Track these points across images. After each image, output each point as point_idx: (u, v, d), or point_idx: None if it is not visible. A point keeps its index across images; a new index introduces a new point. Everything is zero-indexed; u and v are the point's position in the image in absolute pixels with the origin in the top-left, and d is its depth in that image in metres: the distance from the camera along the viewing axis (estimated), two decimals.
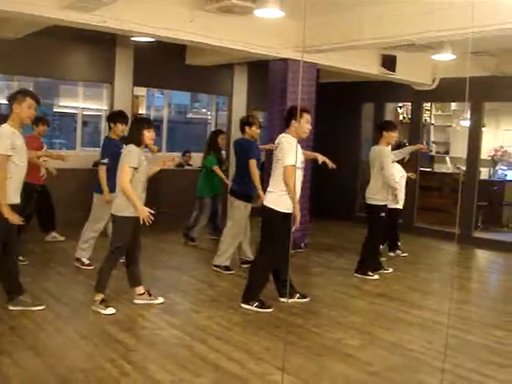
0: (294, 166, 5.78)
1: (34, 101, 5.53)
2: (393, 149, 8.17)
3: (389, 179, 7.54)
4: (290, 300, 6.41)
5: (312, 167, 9.30)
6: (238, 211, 7.55)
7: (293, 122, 6.01)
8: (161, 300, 6.22)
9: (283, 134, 6.11)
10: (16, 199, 5.44)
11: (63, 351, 4.85)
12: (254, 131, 7.59)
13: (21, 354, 4.68)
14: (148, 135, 5.84)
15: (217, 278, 7.40)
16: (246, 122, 7.72)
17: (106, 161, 7.08)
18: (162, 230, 9.60)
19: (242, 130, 7.72)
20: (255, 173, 7.38)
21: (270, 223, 6.06)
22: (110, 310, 5.76)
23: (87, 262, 7.42)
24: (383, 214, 7.69)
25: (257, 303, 6.12)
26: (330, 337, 5.50)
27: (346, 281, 7.62)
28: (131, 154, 5.73)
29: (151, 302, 6.16)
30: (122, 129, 7.33)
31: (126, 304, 6.14)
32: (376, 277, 7.74)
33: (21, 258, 7.09)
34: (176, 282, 7.33)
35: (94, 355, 4.74)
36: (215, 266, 7.66)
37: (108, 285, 5.94)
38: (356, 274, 7.80)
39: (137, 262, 6.15)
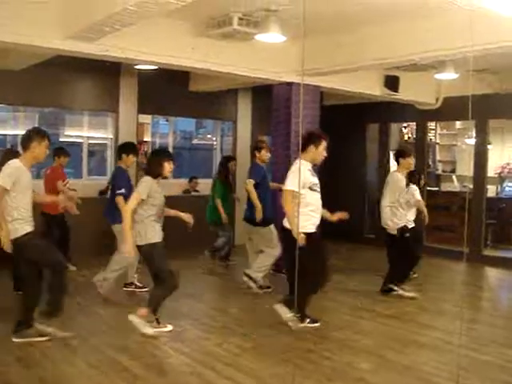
0: (293, 191, 5.87)
1: (49, 141, 5.74)
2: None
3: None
4: (301, 325, 6.36)
5: None
6: (267, 234, 7.78)
7: (311, 147, 6.11)
8: (169, 328, 6.18)
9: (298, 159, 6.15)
10: (29, 227, 5.50)
11: (72, 382, 4.82)
12: (264, 155, 7.73)
13: None
14: (168, 167, 5.92)
15: (227, 305, 7.37)
16: (255, 148, 7.97)
17: (123, 191, 7.09)
18: (169, 256, 9.54)
19: (253, 156, 7.88)
20: (250, 191, 7.54)
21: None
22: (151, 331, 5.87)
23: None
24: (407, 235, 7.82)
25: (308, 320, 6.24)
26: (340, 360, 5.45)
27: (356, 303, 7.56)
28: (143, 185, 5.84)
29: (160, 329, 6.12)
30: (132, 160, 7.54)
31: (135, 331, 6.10)
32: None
33: None
34: (186, 308, 7.28)
35: None
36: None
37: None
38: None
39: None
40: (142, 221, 5.81)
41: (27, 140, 5.61)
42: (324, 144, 6.18)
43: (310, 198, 6.04)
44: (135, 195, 5.78)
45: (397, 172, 8.01)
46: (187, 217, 6.11)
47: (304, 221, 5.90)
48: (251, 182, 7.56)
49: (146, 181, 5.87)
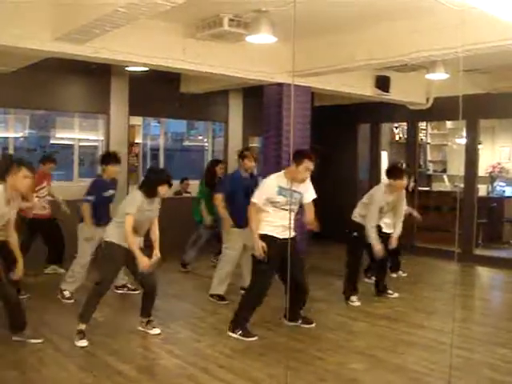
0: (255, 204, 6.01)
1: (30, 171, 5.46)
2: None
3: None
4: (291, 323, 6.38)
5: None
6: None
7: (293, 164, 6.02)
8: (157, 331, 6.16)
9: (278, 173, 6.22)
10: None
11: None
12: (246, 164, 7.61)
13: None
14: (163, 191, 5.86)
15: (217, 306, 7.35)
16: (239, 156, 7.87)
17: (89, 198, 7.22)
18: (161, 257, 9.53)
19: (239, 163, 7.85)
20: (216, 205, 7.56)
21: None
22: (83, 343, 5.69)
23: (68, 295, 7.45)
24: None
25: (240, 332, 6.07)
26: (333, 361, 5.45)
27: (348, 303, 7.56)
28: (131, 202, 5.83)
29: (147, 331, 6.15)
30: (113, 170, 7.37)
31: (127, 335, 6.09)
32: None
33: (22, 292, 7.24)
34: (176, 310, 7.28)
35: None
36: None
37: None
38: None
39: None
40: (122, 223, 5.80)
41: (3, 172, 5.45)
42: (306, 164, 5.99)
43: (273, 214, 6.03)
44: (128, 217, 5.71)
45: (383, 191, 7.62)
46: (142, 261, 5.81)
47: (265, 226, 6.05)
48: (218, 196, 7.50)
49: (135, 197, 5.84)
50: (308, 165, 6.01)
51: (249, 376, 5.01)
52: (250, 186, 7.16)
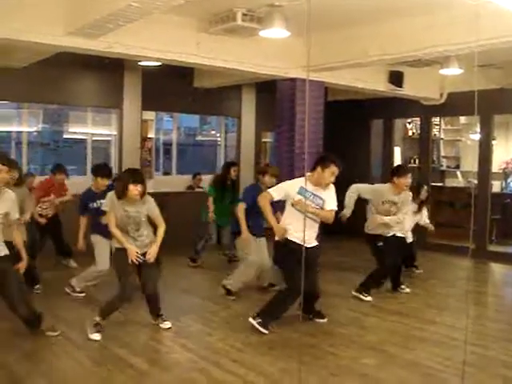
0: (271, 195, 6.14)
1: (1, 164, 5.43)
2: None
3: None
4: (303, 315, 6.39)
5: None
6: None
7: (318, 168, 6.01)
8: (168, 325, 6.18)
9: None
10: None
11: (77, 378, 4.84)
12: (268, 181, 7.47)
13: (35, 381, 4.67)
14: (133, 190, 5.71)
15: (229, 300, 7.35)
16: (259, 171, 8.01)
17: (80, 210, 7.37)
18: (172, 252, 9.55)
19: (257, 178, 7.98)
20: (238, 217, 7.45)
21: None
22: (96, 337, 5.71)
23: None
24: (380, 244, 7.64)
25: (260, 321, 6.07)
26: (345, 356, 5.45)
27: (362, 298, 7.54)
28: (106, 199, 5.95)
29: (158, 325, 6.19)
30: (101, 183, 7.24)
31: (138, 328, 6.12)
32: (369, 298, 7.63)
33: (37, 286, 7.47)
34: (187, 304, 7.30)
35: (108, 381, 4.71)
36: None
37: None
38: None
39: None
40: None
41: None
42: (332, 169, 5.97)
43: (288, 212, 6.11)
44: (106, 215, 5.94)
45: (388, 187, 7.61)
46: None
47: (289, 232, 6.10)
48: (241, 206, 7.42)
49: (109, 196, 5.90)
50: (334, 169, 5.98)
51: (260, 370, 5.01)
52: None
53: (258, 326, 5.99)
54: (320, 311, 6.59)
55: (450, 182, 13.74)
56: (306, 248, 5.67)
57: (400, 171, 7.54)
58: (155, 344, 5.73)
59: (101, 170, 7.41)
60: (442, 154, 14.47)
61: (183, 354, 5.40)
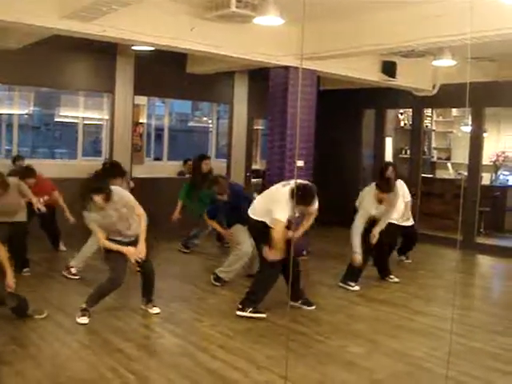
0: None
1: None
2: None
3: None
4: (291, 302, 6.39)
5: (313, 173, 9.31)
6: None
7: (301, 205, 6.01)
8: (157, 310, 6.20)
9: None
10: None
11: (65, 361, 4.83)
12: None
13: (22, 364, 4.66)
14: (97, 199, 5.63)
15: (219, 287, 7.37)
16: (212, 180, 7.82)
17: None
18: (159, 237, 9.57)
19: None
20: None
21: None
22: (84, 320, 5.72)
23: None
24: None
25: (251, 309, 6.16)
26: (333, 344, 5.48)
27: (349, 288, 7.58)
28: (89, 221, 5.83)
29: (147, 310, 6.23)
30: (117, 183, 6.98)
31: (127, 313, 6.13)
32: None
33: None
34: (178, 290, 7.31)
35: (95, 365, 4.72)
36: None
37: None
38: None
39: None
40: None
41: None
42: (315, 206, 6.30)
43: None
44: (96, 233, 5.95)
45: (373, 194, 7.54)
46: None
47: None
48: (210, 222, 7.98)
49: (90, 218, 5.79)
50: (301, 208, 6.11)
51: (248, 357, 5.04)
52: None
53: (253, 314, 6.08)
54: (308, 299, 6.63)
55: (440, 174, 13.81)
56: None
57: (383, 187, 7.45)
58: (144, 330, 5.74)
59: (115, 170, 7.60)
60: (434, 145, 14.53)
61: (172, 339, 5.42)
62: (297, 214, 6.22)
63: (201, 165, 9.41)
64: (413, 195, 9.09)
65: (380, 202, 7.46)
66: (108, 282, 5.88)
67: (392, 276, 8.12)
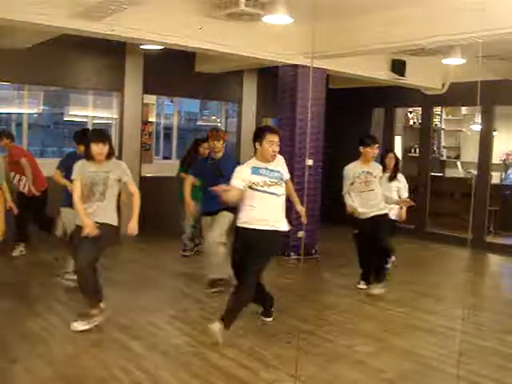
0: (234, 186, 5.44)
1: None
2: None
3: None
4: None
5: (322, 172, 9.32)
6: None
7: (256, 144, 5.61)
8: (78, 327, 5.53)
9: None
10: None
11: (74, 359, 4.86)
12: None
13: (32, 361, 4.68)
14: (95, 149, 5.51)
15: (229, 286, 7.36)
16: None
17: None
18: (168, 236, 9.56)
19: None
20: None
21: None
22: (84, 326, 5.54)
23: None
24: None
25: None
26: (341, 344, 5.47)
27: (358, 287, 7.56)
28: (74, 167, 5.69)
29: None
30: (80, 149, 6.80)
31: (137, 312, 6.14)
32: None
33: None
34: (186, 289, 7.31)
35: (106, 363, 4.73)
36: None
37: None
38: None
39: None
40: None
41: None
42: (268, 138, 5.51)
43: (249, 195, 5.48)
44: (73, 184, 5.70)
45: (356, 163, 7.39)
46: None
47: (240, 214, 5.60)
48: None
49: (77, 164, 5.67)
50: (270, 138, 5.52)
51: (258, 356, 5.04)
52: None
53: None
54: (268, 309, 6.08)
55: (449, 173, 13.78)
56: (255, 230, 5.47)
57: (365, 141, 7.41)
58: (154, 328, 5.73)
59: (78, 135, 7.11)
60: (443, 144, 14.49)
61: (180, 338, 5.42)
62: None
63: (197, 148, 8.81)
64: (414, 192, 8.88)
65: (363, 162, 7.27)
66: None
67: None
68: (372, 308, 6.85)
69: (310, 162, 9.10)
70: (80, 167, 5.63)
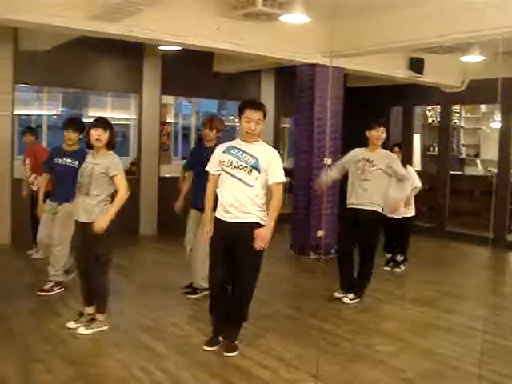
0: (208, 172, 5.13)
1: None
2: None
3: None
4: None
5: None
6: None
7: (238, 120, 5.13)
8: (84, 331, 5.42)
9: None
10: None
11: (95, 359, 4.88)
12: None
13: (54, 361, 4.71)
14: (93, 134, 5.32)
15: None
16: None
17: None
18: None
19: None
20: None
21: None
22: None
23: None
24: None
25: None
26: (361, 343, 5.45)
27: (378, 286, 7.51)
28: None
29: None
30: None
31: (157, 312, 6.16)
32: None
33: None
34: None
35: (125, 363, 4.75)
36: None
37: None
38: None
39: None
40: None
41: None
42: (246, 113, 4.94)
43: (221, 178, 5.00)
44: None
45: (362, 149, 6.95)
46: None
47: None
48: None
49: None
50: (248, 114, 4.94)
51: (277, 355, 5.03)
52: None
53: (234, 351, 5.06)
54: (232, 342, 5.11)
55: (469, 171, 13.66)
56: (230, 223, 4.90)
57: (371, 124, 6.86)
58: (174, 329, 5.74)
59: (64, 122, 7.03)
60: (462, 142, 14.37)
61: (200, 338, 5.41)
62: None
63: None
64: (429, 190, 8.85)
65: (369, 148, 6.82)
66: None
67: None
68: (392, 307, 6.82)
69: (328, 161, 9.07)
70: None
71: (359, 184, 6.66)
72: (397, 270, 8.46)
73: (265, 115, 5.06)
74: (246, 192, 4.83)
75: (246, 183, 4.83)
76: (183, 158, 12.70)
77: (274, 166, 4.91)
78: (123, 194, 5.28)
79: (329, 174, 6.96)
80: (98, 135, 5.29)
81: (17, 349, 4.98)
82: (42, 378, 4.38)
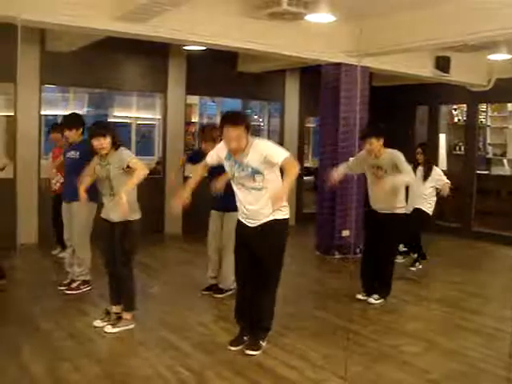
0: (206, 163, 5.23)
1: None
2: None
3: None
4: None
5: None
6: None
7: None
8: (111, 330, 5.49)
9: None
10: None
11: (121, 358, 4.93)
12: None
13: (80, 360, 4.76)
14: (95, 144, 5.38)
15: None
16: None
17: None
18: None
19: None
20: None
21: None
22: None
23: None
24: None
25: None
26: (386, 343, 5.43)
27: (403, 287, 7.48)
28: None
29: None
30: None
31: (182, 311, 6.19)
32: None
33: None
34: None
35: (151, 362, 4.78)
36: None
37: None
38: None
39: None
40: None
41: None
42: (225, 131, 4.75)
43: (234, 188, 5.05)
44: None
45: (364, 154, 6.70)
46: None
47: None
48: None
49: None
50: (225, 132, 4.72)
51: (303, 355, 5.03)
52: None
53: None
54: (257, 341, 5.14)
55: (495, 170, 13.50)
56: (251, 227, 4.98)
57: (362, 133, 6.80)
58: (201, 328, 5.76)
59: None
60: (488, 141, 14.19)
61: (226, 337, 5.43)
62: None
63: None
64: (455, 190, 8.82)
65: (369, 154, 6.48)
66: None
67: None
68: (417, 308, 6.78)
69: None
70: (93, 161, 5.58)
71: (376, 189, 6.51)
72: (412, 268, 8.40)
73: (247, 127, 4.76)
74: (256, 197, 4.85)
75: (255, 188, 4.83)
76: None
77: (269, 153, 4.71)
78: (141, 170, 5.22)
79: (339, 170, 6.82)
80: (101, 144, 5.34)
81: (44, 347, 5.03)
82: (70, 377, 4.42)
